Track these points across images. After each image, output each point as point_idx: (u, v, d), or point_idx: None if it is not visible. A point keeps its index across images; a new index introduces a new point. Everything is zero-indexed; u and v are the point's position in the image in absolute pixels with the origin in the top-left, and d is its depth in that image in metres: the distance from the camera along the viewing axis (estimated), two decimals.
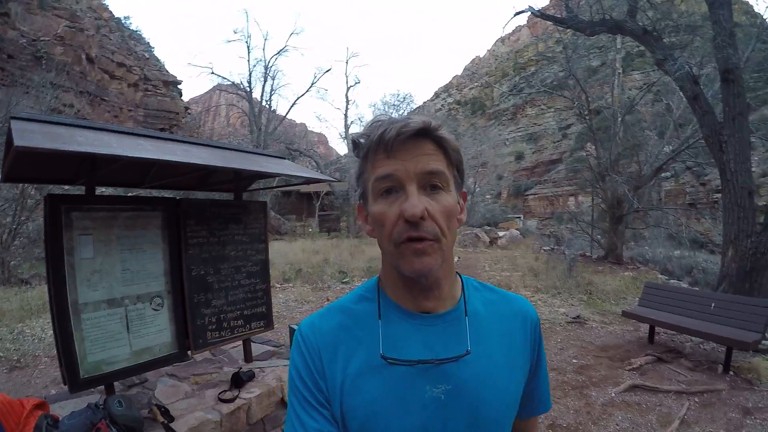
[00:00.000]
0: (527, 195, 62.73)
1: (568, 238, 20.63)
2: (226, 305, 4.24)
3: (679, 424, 4.23)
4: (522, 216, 49.45)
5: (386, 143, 0.81)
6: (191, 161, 3.16)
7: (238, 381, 3.93)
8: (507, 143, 75.99)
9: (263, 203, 5.03)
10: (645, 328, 7.41)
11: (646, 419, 4.37)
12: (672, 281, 12.49)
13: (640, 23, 8.55)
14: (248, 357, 4.62)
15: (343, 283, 11.28)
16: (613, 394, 4.91)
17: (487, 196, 55.37)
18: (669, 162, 15.99)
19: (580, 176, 48.95)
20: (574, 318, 8.34)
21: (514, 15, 10.17)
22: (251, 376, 4.10)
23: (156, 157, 2.87)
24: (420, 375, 0.85)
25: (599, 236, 18.56)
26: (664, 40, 8.48)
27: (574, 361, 6.11)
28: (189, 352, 3.87)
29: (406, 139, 0.81)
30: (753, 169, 7.62)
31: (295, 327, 5.20)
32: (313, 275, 11.37)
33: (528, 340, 0.97)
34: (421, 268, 0.81)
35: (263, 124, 28.56)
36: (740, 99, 7.46)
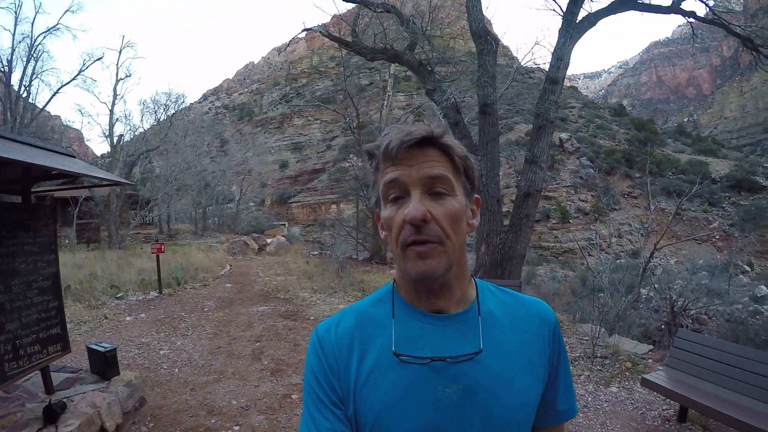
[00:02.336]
0: (291, 203, 63.99)
1: (333, 242, 21.98)
2: (20, 329, 3.66)
3: None
4: (286, 223, 50.23)
5: (390, 152, 0.84)
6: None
7: (53, 415, 3.44)
8: (272, 151, 76.64)
9: (53, 207, 4.45)
10: None
11: None
12: None
13: (416, 56, 9.71)
14: (49, 388, 4.01)
15: (117, 298, 10.22)
16: None
17: (251, 204, 54.93)
18: None
19: (342, 186, 51.99)
20: None
21: (302, 31, 10.54)
22: (64, 407, 3.61)
23: None
24: (432, 374, 0.86)
25: (361, 240, 20.14)
26: (435, 73, 9.73)
27: None
28: None
29: (411, 147, 0.83)
30: (500, 182, 9.29)
31: (94, 346, 4.69)
32: (83, 292, 10.05)
33: (546, 343, 0.96)
34: (425, 270, 0.82)
35: (19, 114, 23.46)
36: (494, 128, 9.00)
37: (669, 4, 8.69)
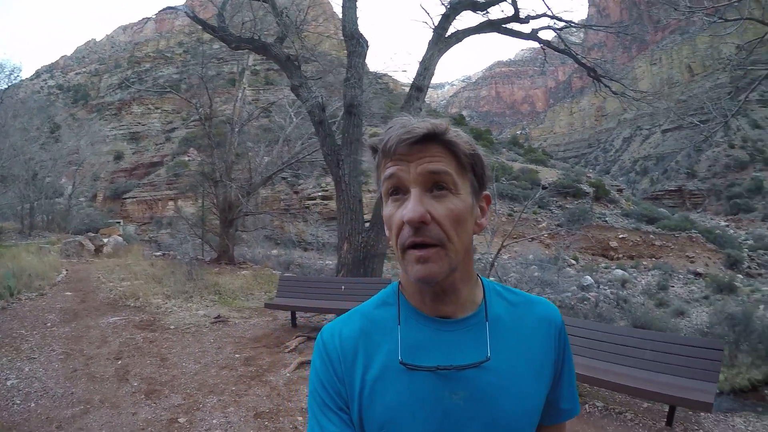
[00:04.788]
0: (125, 198, 59.09)
1: (180, 242, 20.78)
2: None
3: None
4: (121, 221, 46.26)
5: (389, 150, 0.81)
6: None
7: None
8: (107, 140, 69.83)
9: None
10: (284, 315, 8.41)
11: None
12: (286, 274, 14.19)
13: (285, 50, 9.54)
14: None
15: None
16: (288, 374, 5.50)
17: (81, 199, 49.40)
18: (278, 172, 18.03)
19: (181, 180, 49.28)
20: (216, 318, 8.63)
21: (164, 9, 9.88)
22: None
23: None
24: (439, 381, 0.84)
25: (207, 239, 19.36)
26: (302, 69, 9.66)
27: (237, 355, 6.40)
28: None
29: (412, 144, 0.80)
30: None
31: None
32: None
33: (552, 345, 0.95)
34: (424, 275, 0.80)
35: None
36: (358, 128, 9.16)
37: (528, 32, 9.70)
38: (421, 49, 9.92)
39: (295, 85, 9.40)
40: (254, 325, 8.22)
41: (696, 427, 4.42)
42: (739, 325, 13.94)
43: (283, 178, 44.77)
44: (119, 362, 6.22)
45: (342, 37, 9.19)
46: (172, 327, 8.13)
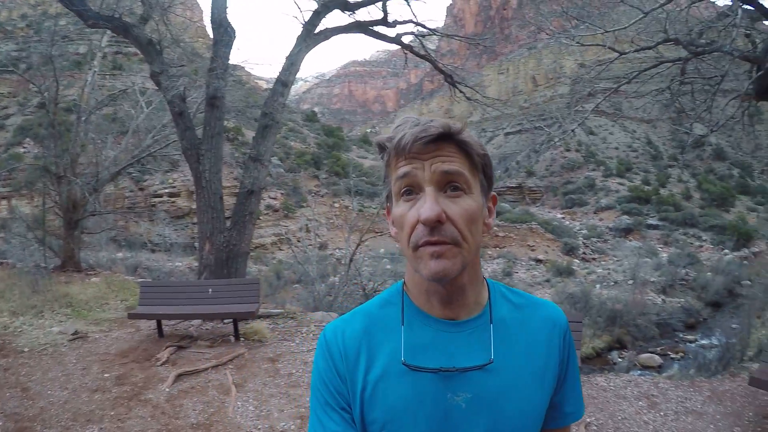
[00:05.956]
0: None
1: (6, 248, 18.34)
2: None
3: (237, 387, 5.04)
4: None
5: (403, 148, 0.80)
6: None
7: None
8: None
9: None
10: (147, 325, 7.72)
11: (208, 396, 4.91)
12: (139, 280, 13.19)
13: (148, 33, 8.81)
14: None
15: None
16: (168, 390, 5.08)
17: None
18: (127, 167, 16.72)
19: (15, 176, 43.65)
20: (73, 334, 7.72)
21: None
22: None
23: None
24: (441, 383, 0.84)
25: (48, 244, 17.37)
26: (164, 56, 8.98)
27: (107, 375, 5.76)
28: None
29: (426, 143, 0.79)
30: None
31: None
32: None
33: (556, 348, 0.94)
34: (439, 270, 0.78)
35: None
36: (220, 122, 8.75)
37: (393, 36, 10.07)
38: (283, 44, 9.81)
39: (155, 71, 8.73)
40: (117, 339, 7.44)
41: None
42: (579, 302, 15.95)
43: (128, 174, 41.48)
44: None
45: (200, 27, 8.76)
46: (26, 350, 7.02)
